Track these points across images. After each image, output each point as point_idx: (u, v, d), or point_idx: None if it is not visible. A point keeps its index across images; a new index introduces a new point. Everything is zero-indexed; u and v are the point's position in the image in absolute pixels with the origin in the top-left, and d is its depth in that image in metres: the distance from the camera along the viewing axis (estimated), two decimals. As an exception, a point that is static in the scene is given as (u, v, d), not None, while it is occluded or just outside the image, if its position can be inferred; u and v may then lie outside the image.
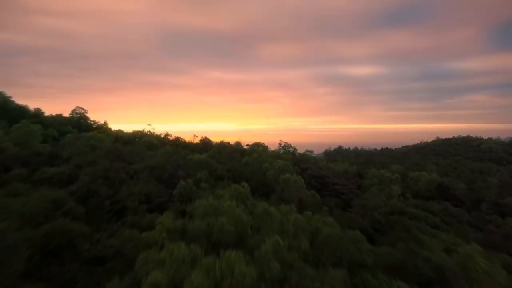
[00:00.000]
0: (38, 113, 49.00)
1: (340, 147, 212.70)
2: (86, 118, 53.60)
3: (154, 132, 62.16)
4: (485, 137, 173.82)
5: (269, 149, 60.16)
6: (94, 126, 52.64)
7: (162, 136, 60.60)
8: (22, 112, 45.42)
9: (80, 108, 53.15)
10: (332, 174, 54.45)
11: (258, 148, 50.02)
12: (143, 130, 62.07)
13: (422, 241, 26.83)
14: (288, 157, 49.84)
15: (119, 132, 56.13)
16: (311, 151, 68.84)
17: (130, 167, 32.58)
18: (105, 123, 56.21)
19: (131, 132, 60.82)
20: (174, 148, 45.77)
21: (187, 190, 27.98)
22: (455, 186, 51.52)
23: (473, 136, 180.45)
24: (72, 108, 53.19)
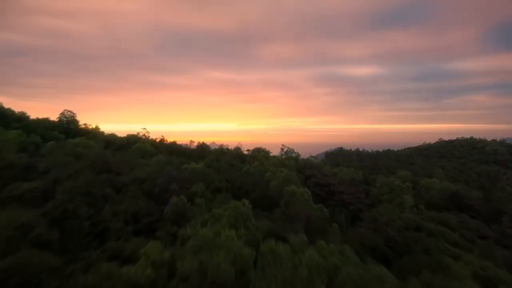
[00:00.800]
0: (22, 117, 45.59)
1: (341, 148, 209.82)
2: (76, 122, 50.15)
3: (149, 136, 58.88)
4: (485, 137, 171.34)
5: (270, 154, 56.95)
6: (84, 130, 49.26)
7: (158, 140, 57.25)
8: (4, 117, 41.97)
9: (69, 111, 49.69)
10: (338, 181, 51.22)
11: (259, 154, 46.71)
12: (138, 133, 58.82)
13: (448, 266, 23.58)
14: (291, 164, 46.51)
15: (112, 136, 52.75)
16: (315, 157, 65.64)
17: (118, 179, 29.24)
18: (97, 127, 52.84)
19: (125, 136, 57.50)
20: (168, 155, 42.48)
21: (180, 207, 24.66)
22: (469, 194, 48.29)
23: (477, 137, 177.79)
24: (71, 108, 50.18)
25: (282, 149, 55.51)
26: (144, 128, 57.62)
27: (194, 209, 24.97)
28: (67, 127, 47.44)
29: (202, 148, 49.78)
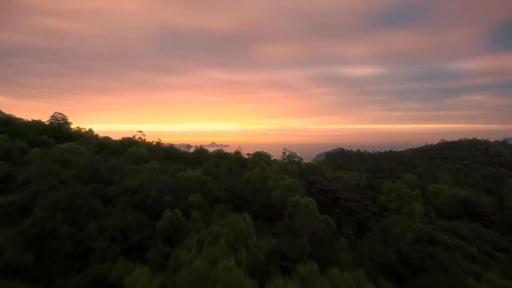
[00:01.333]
0: (10, 120, 43.14)
1: (342, 149, 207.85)
2: (67, 125, 47.53)
3: (145, 139, 56.52)
4: (485, 137, 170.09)
5: (271, 157, 54.71)
6: (77, 133, 46.83)
7: (154, 143, 54.92)
8: (-11, 120, 39.66)
9: (60, 114, 47.14)
10: (342, 187, 48.98)
11: (260, 160, 44.41)
12: (133, 136, 56.46)
13: (469, 287, 21.33)
14: (294, 169, 44.28)
15: (106, 139, 50.40)
16: (317, 161, 63.31)
17: (107, 189, 26.92)
18: (90, 130, 50.37)
19: (120, 139, 55.17)
20: (164, 161, 40.16)
21: (173, 223, 22.37)
22: (480, 200, 46.05)
23: (479, 138, 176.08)
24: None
25: (284, 152, 53.31)
26: (140, 131, 55.39)
27: (189, 224, 22.67)
28: (58, 130, 44.93)
29: (200, 153, 47.45)
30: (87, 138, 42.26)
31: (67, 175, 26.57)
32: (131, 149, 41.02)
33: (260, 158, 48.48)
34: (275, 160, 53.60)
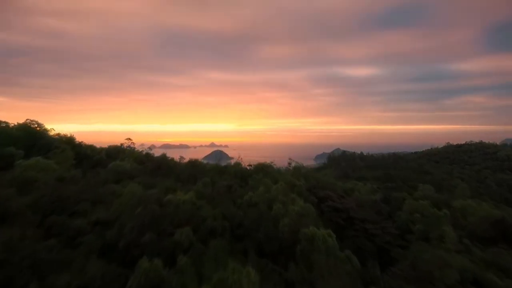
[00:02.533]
0: (-28, 129, 37.28)
1: (344, 151, 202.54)
2: (42, 134, 41.22)
3: (134, 147, 50.73)
4: (485, 138, 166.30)
5: (274, 165, 49.07)
6: (54, 143, 40.88)
7: (144, 152, 49.13)
8: None
9: (32, 121, 41.03)
10: (356, 203, 43.29)
11: (264, 176, 38.60)
12: (121, 144, 50.72)
13: None
14: (301, 184, 38.63)
15: (88, 149, 44.57)
16: (318, 163, 57.43)
17: (71, 223, 21.12)
18: (71, 137, 44.37)
19: (106, 147, 49.40)
20: (152, 177, 34.41)
21: (151, 277, 16.58)
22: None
23: (486, 142, 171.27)
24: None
25: (289, 163, 47.69)
26: (129, 139, 49.63)
27: (173, 279, 16.86)
28: (31, 139, 38.77)
29: (194, 166, 41.67)
30: (64, 150, 36.43)
31: (20, 206, 20.75)
32: (114, 163, 35.15)
33: (263, 170, 42.78)
34: (279, 171, 47.93)
